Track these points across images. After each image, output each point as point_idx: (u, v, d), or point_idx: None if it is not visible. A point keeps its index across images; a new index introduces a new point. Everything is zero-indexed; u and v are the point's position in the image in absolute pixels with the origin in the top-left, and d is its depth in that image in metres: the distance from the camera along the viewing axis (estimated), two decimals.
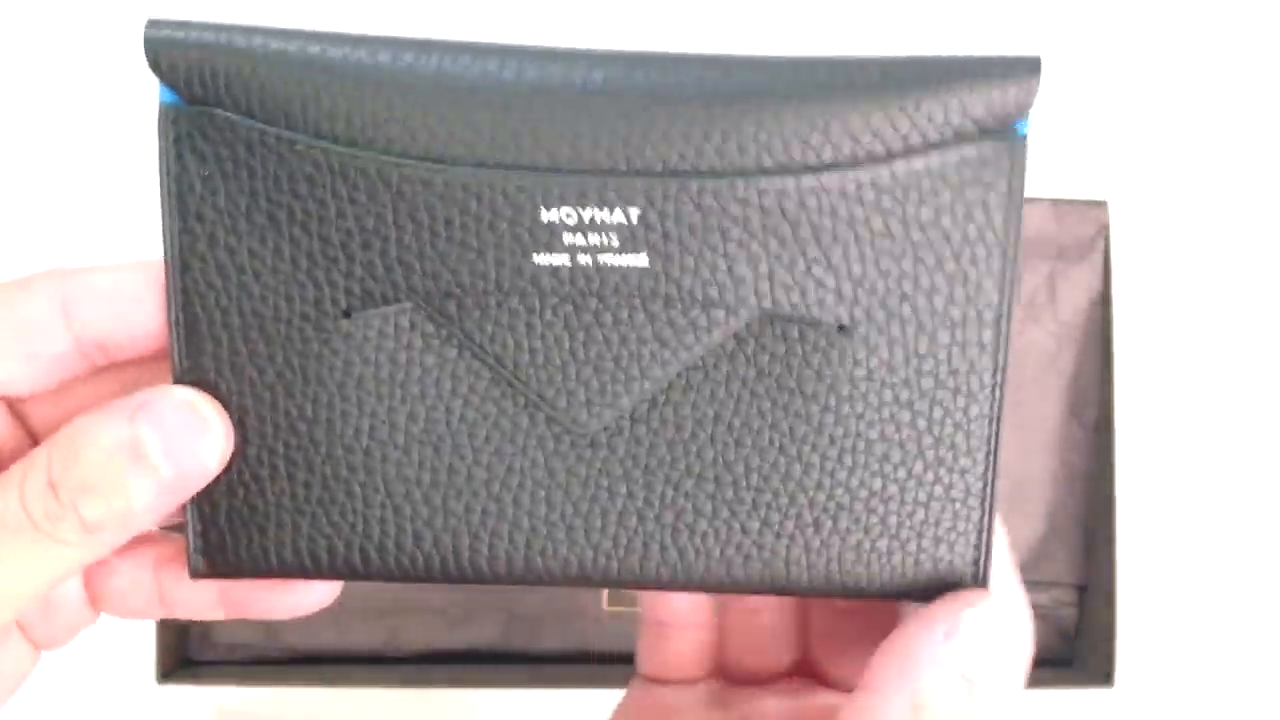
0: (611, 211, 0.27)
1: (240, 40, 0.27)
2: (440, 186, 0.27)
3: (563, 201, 0.27)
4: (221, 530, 0.28)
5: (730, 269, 0.27)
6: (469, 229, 0.27)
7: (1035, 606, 0.53)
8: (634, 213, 0.27)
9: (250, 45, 0.27)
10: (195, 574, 0.29)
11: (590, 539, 0.28)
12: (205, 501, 0.28)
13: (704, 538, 0.28)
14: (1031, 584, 0.52)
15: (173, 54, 0.27)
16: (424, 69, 0.27)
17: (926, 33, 0.55)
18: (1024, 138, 0.27)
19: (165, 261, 0.28)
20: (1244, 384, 0.55)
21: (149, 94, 0.27)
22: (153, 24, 0.27)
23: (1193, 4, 0.55)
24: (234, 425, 0.28)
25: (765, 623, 0.34)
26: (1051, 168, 0.54)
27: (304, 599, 0.30)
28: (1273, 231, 0.55)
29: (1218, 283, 0.55)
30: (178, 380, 0.28)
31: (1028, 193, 0.28)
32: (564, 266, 0.27)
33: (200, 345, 0.28)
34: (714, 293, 0.27)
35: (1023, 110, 0.27)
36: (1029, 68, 0.27)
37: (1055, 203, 0.53)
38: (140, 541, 0.30)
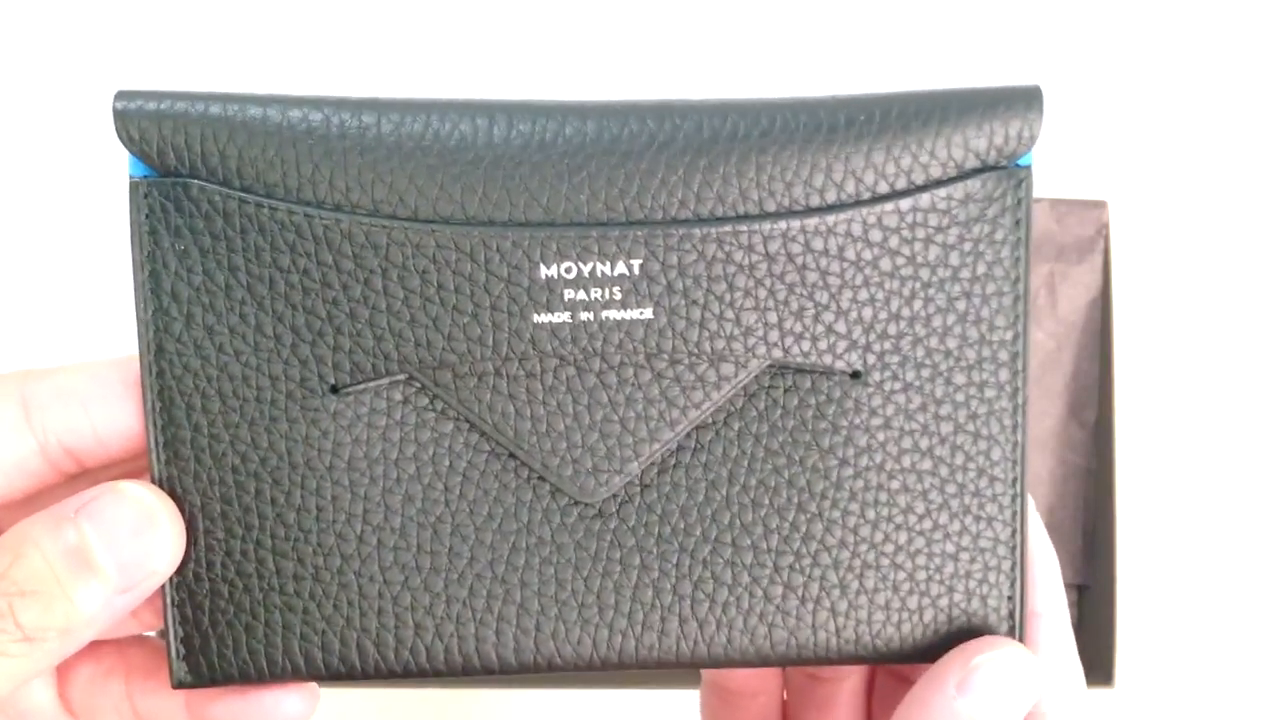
0: (613, 264, 0.25)
1: (215, 108, 0.26)
2: (431, 248, 0.25)
3: (562, 256, 0.25)
4: (205, 634, 0.26)
5: (737, 318, 0.26)
6: (463, 291, 0.25)
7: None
8: (636, 264, 0.26)
9: (226, 112, 0.26)
10: (179, 684, 0.27)
11: (604, 616, 0.26)
12: (187, 603, 0.26)
13: (725, 608, 0.27)
14: None
15: (144, 125, 0.25)
16: (410, 128, 0.26)
17: (926, 41, 0.55)
18: (1028, 168, 0.27)
19: (140, 344, 0.26)
20: (1244, 384, 0.55)
21: (115, 168, 0.26)
22: (122, 95, 0.26)
23: (1192, 5, 0.55)
24: (217, 519, 0.26)
25: (830, 690, 0.33)
26: (1051, 168, 0.54)
27: (277, 716, 0.27)
28: (1273, 231, 0.55)
29: (1218, 282, 0.55)
30: (155, 473, 0.26)
31: None
32: (565, 324, 0.26)
33: (178, 434, 0.26)
34: (721, 345, 0.26)
35: (1027, 144, 0.26)
36: (1030, 100, 0.26)
37: (1055, 203, 0.52)
38: (110, 650, 0.29)
